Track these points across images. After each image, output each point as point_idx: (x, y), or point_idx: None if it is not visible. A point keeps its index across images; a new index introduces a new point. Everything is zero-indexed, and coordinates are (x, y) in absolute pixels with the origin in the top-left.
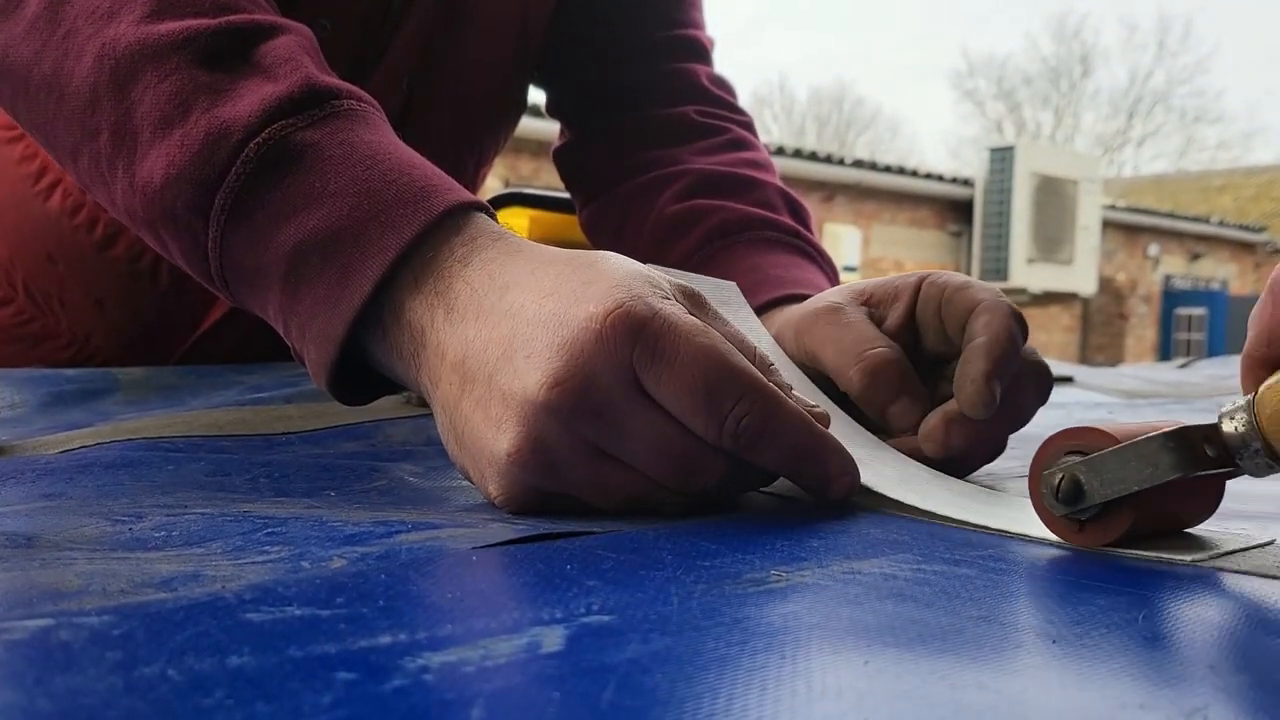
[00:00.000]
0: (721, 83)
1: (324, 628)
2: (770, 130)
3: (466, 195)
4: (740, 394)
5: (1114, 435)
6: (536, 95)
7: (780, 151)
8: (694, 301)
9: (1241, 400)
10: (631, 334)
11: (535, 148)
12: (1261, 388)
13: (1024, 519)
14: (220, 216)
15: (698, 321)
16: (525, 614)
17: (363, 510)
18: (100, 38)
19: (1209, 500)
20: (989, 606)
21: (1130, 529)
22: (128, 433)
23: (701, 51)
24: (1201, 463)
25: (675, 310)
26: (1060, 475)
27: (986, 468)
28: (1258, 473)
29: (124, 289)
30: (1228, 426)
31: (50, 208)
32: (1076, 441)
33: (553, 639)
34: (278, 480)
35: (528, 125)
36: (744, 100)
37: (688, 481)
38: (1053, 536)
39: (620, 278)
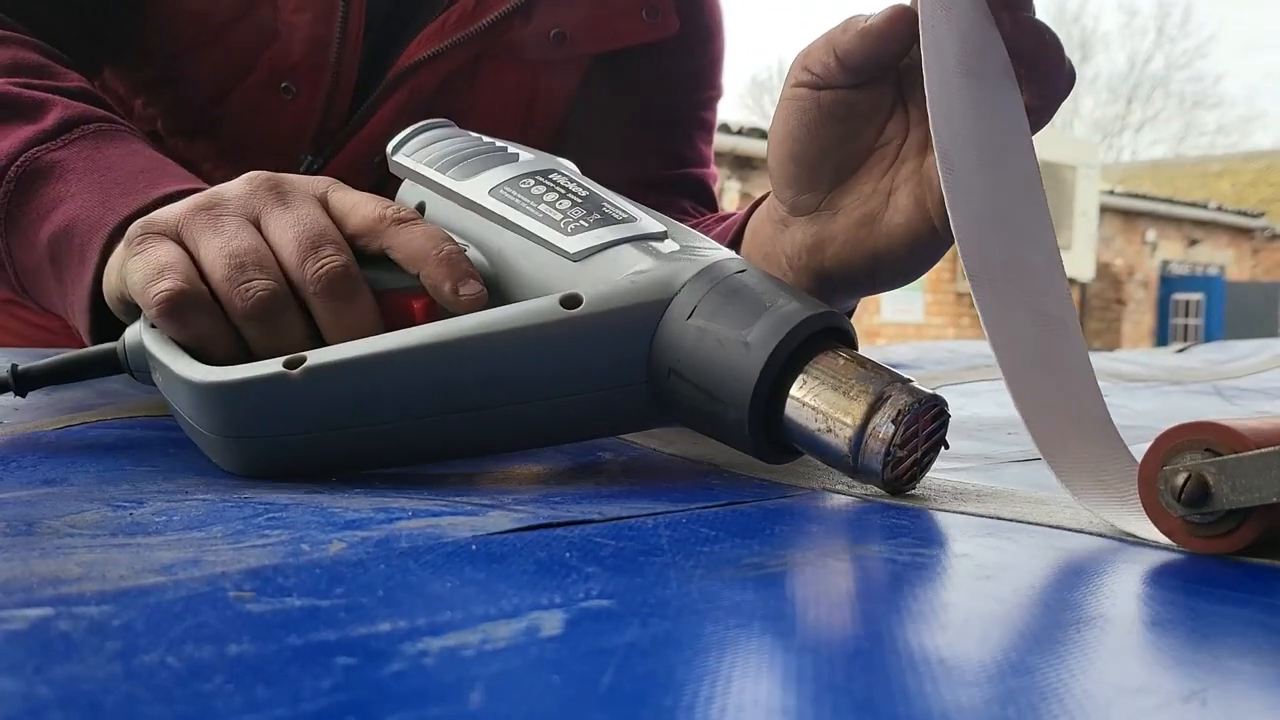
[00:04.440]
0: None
1: (323, 615)
2: (770, 115)
3: (188, 183)
4: None
5: (1247, 436)
6: None
7: None
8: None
9: None
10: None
11: None
12: None
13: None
14: (2, 229)
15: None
16: (524, 599)
17: (363, 495)
18: None
19: None
20: (987, 590)
21: (1259, 539)
22: (129, 412)
23: (705, 193)
24: None
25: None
26: (1185, 475)
27: (983, 450)
28: None
29: None
30: None
31: None
32: (1202, 437)
33: (552, 623)
34: None
35: None
36: (743, 85)
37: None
38: (1160, 538)
39: None
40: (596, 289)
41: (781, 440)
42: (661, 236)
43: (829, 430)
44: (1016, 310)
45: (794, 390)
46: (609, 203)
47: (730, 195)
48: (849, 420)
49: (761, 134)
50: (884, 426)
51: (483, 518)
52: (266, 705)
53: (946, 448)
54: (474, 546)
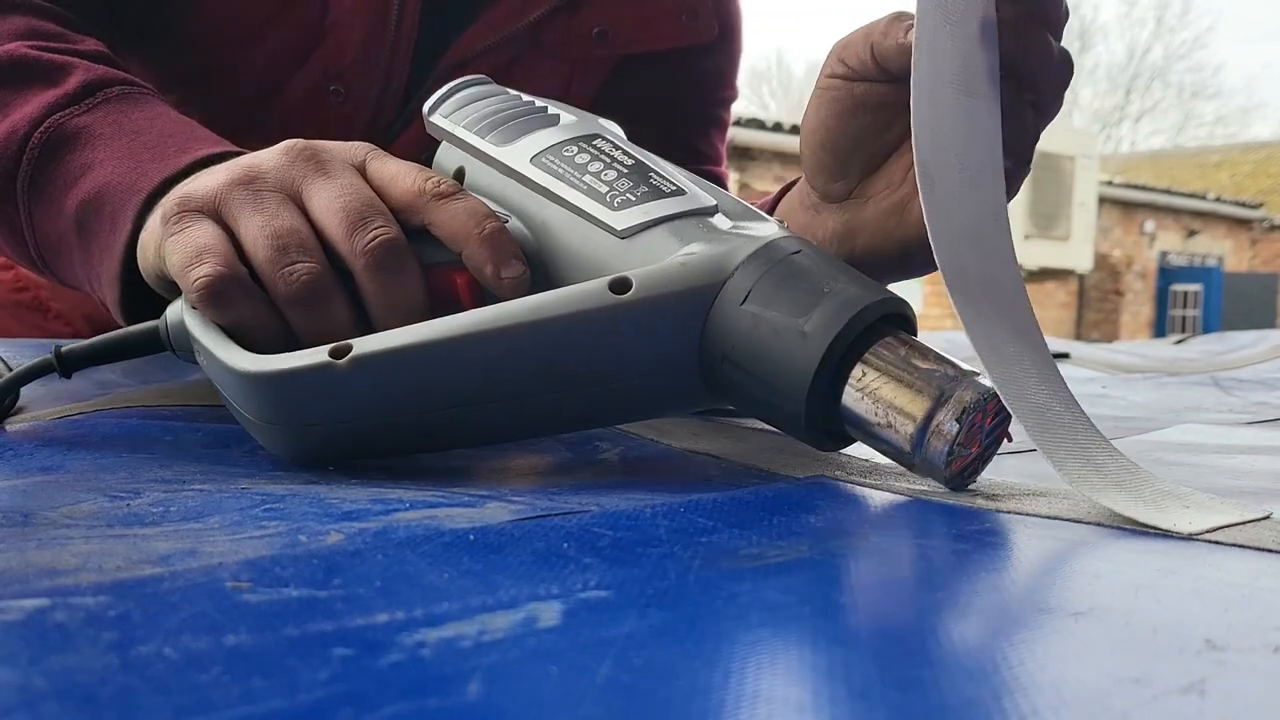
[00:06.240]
0: None
1: (320, 606)
2: (768, 105)
3: (219, 147)
4: None
5: None
6: None
7: (778, 127)
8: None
9: None
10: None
11: None
12: None
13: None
14: (25, 197)
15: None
16: (522, 590)
17: (360, 487)
18: None
19: None
20: (985, 581)
21: None
22: (126, 402)
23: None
24: None
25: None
26: None
27: None
28: None
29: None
30: None
31: None
32: None
33: (550, 614)
34: None
35: None
36: (741, 76)
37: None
38: (1159, 523)
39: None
40: (646, 271)
41: (837, 430)
42: (713, 211)
43: (889, 424)
44: (993, 320)
45: (852, 380)
46: (657, 173)
47: (730, 186)
48: (911, 415)
49: (760, 125)
50: (948, 424)
51: (480, 509)
52: (263, 696)
53: (1010, 440)
54: (471, 537)
